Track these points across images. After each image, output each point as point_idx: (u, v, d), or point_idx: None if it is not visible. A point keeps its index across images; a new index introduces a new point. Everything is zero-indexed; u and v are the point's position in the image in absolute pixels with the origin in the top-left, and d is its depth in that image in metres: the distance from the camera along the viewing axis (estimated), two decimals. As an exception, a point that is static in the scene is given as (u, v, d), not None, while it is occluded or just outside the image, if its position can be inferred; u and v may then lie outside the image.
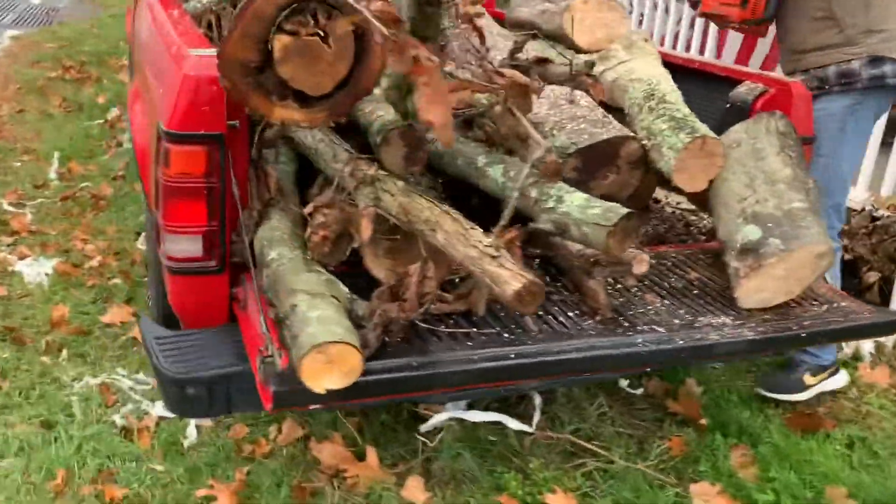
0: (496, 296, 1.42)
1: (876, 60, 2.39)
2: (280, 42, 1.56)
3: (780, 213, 1.93)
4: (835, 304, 2.07)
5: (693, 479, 2.28)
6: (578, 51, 2.65)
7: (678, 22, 5.78)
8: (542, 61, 1.95)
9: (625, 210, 1.66)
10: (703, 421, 2.54)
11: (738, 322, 1.93)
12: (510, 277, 1.39)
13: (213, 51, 1.87)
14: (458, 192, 2.08)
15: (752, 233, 1.92)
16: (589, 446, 2.35)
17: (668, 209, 2.74)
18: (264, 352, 1.58)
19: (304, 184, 2.12)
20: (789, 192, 1.95)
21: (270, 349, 1.58)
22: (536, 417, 2.44)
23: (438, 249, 1.79)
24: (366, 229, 1.65)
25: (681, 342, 1.82)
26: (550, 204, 1.76)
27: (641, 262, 1.85)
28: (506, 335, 1.74)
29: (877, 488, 2.30)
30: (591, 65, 1.88)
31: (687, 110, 2.19)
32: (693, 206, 2.66)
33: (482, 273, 1.43)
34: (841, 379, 2.70)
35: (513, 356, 1.66)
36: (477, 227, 1.54)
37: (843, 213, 2.56)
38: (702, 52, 5.43)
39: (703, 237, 2.58)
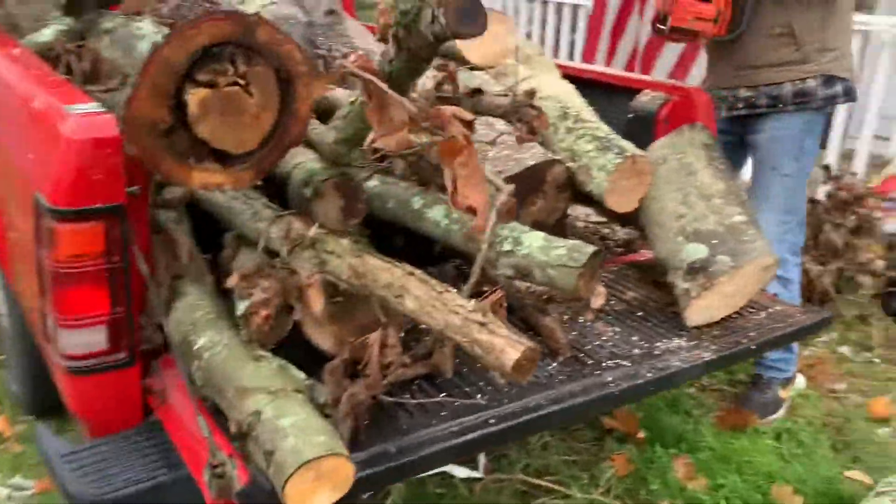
0: (490, 367, 1.27)
1: (830, 80, 2.39)
2: (196, 97, 1.32)
3: (723, 228, 1.90)
4: (770, 310, 2.09)
5: (648, 499, 2.24)
6: (472, 68, 2.53)
7: (529, 22, 5.85)
8: (475, 92, 1.81)
9: (591, 248, 1.56)
10: (641, 434, 2.51)
11: (693, 343, 1.89)
12: (507, 346, 1.24)
13: (95, 106, 1.57)
14: (379, 232, 1.90)
15: (697, 251, 1.89)
16: (542, 483, 2.25)
17: (580, 224, 2.68)
18: (214, 462, 1.33)
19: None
20: (727, 207, 1.94)
21: (219, 457, 1.34)
22: (482, 461, 2.30)
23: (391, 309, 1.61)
24: (315, 301, 1.44)
25: (648, 374, 1.75)
26: (507, 247, 1.62)
27: (599, 296, 1.76)
28: (478, 396, 1.59)
29: (812, 477, 2.37)
30: (532, 94, 1.75)
31: (607, 128, 2.13)
32: (603, 219, 2.63)
33: (471, 343, 1.27)
34: (801, 382, 2.77)
35: (493, 421, 1.51)
36: (450, 287, 1.37)
37: (804, 228, 2.59)
38: (555, 54, 5.51)
39: (620, 250, 2.55)
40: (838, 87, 2.42)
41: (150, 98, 1.30)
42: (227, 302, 1.66)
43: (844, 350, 3.11)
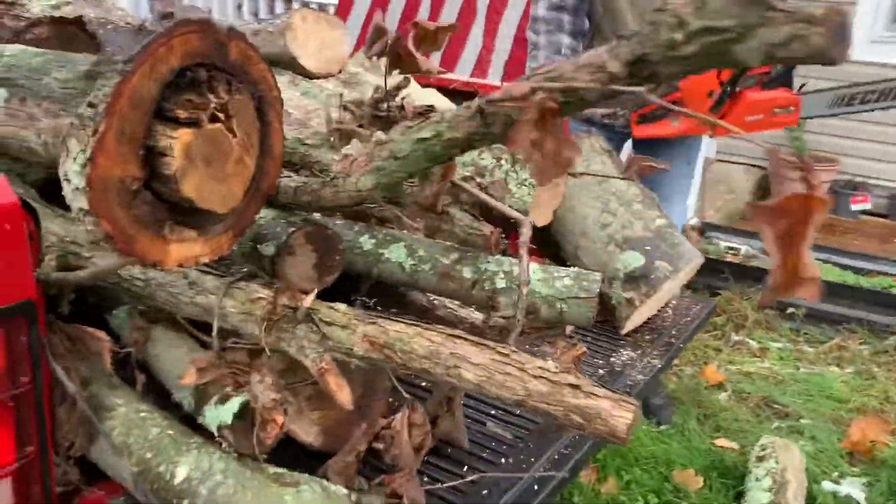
0: (596, 434, 1.08)
1: None
2: (181, 141, 0.94)
3: (651, 233, 1.89)
4: (670, 305, 2.15)
5: (577, 514, 2.20)
6: (308, 76, 2.26)
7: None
8: (428, 110, 1.56)
9: (597, 274, 1.44)
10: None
11: (639, 352, 1.86)
12: (613, 407, 1.07)
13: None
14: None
15: (634, 259, 1.85)
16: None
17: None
18: None
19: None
20: (647, 211, 1.93)
21: None
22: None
23: (373, 376, 1.34)
24: (341, 391, 1.12)
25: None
26: (501, 284, 1.43)
27: (570, 321, 1.64)
28: (502, 461, 1.38)
29: (694, 454, 2.51)
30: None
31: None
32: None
33: (569, 412, 1.07)
34: None
35: (537, 487, 1.32)
36: (511, 346, 1.15)
37: None
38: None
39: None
40: None
41: (117, 148, 0.89)
42: (165, 405, 1.25)
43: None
